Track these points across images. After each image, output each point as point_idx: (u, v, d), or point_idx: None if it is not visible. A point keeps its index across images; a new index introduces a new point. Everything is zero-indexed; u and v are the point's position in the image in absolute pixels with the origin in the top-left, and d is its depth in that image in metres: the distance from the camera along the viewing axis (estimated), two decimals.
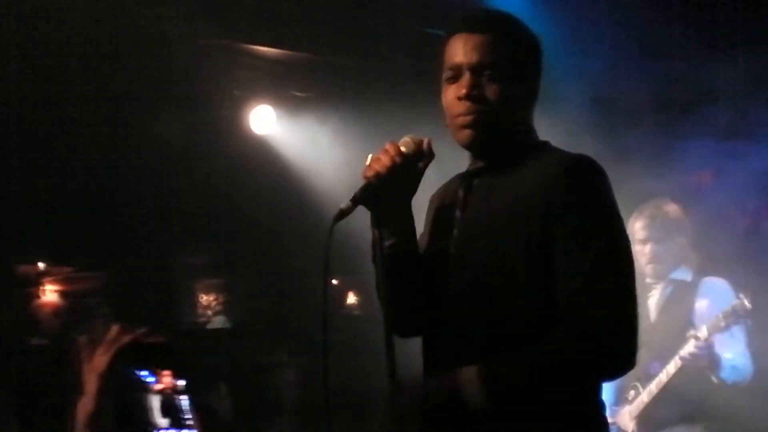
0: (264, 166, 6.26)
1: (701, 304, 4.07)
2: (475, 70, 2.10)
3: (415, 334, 2.26)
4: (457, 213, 2.18)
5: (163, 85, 5.49)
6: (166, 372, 1.04)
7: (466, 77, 2.11)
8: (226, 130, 6.11)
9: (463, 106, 2.11)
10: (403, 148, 2.13)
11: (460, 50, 2.13)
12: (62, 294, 6.33)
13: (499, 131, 2.13)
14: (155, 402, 1.03)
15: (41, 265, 6.33)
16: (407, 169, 2.14)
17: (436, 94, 2.21)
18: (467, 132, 2.13)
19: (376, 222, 2.13)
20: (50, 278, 6.35)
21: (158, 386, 1.05)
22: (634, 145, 4.79)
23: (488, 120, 2.10)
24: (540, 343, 1.93)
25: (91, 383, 1.15)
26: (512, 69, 2.12)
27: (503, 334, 1.99)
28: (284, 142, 6.25)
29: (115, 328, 1.18)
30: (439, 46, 2.21)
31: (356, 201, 2.08)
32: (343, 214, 2.07)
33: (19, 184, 5.59)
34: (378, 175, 2.09)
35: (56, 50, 4.90)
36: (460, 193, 2.20)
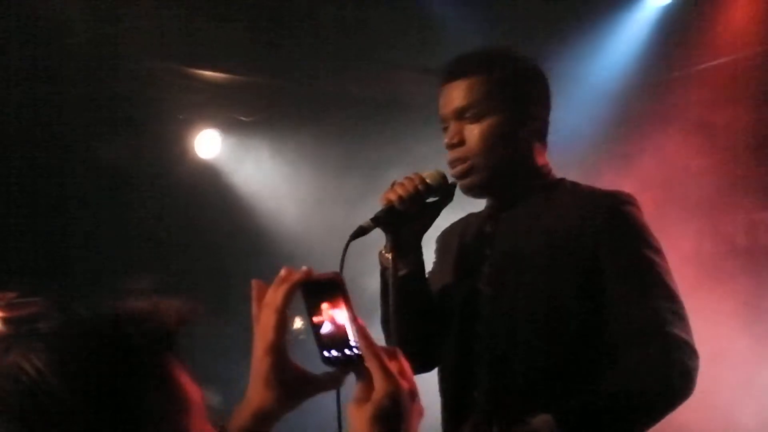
0: (209, 191, 6.23)
1: None
2: (456, 117, 2.08)
3: (421, 370, 2.22)
4: (486, 251, 2.12)
5: (106, 108, 5.44)
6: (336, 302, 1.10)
7: (450, 126, 2.10)
8: (171, 154, 6.07)
9: (450, 156, 2.10)
10: (428, 180, 2.09)
11: (442, 101, 2.13)
12: (3, 321, 6.22)
13: (496, 172, 2.08)
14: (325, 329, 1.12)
15: None
16: (426, 204, 2.11)
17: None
18: (461, 183, 2.10)
19: (392, 248, 2.08)
20: None
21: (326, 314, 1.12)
22: None
23: (477, 165, 2.07)
24: (609, 379, 1.91)
25: (267, 318, 1.19)
26: (494, 105, 2.07)
27: (549, 368, 1.97)
28: (230, 166, 6.24)
29: (283, 269, 1.24)
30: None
31: (377, 221, 2.04)
32: (362, 231, 2.02)
33: None
34: (401, 200, 2.05)
35: None
36: (488, 229, 2.15)
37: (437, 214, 2.17)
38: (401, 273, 2.11)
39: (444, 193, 2.13)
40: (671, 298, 1.96)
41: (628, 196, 2.05)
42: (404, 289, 2.09)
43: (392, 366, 1.13)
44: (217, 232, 6.40)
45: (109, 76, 5.13)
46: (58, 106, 5.26)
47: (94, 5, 4.57)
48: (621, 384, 1.91)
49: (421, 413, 1.14)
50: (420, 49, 5.27)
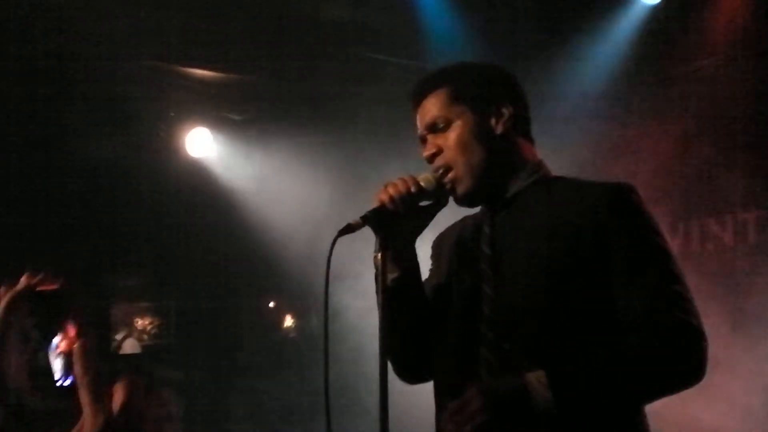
0: (200, 188, 6.23)
1: None
2: (429, 132, 2.13)
3: (414, 381, 2.21)
4: (486, 250, 2.09)
5: (99, 105, 5.44)
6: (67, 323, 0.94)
7: (427, 141, 2.14)
8: (163, 152, 6.08)
9: (433, 168, 2.11)
10: (422, 183, 2.08)
11: (416, 123, 2.17)
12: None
13: (480, 173, 2.10)
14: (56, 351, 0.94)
15: None
16: (418, 207, 2.10)
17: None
18: (453, 196, 2.12)
19: (381, 248, 2.05)
20: None
21: (59, 338, 0.95)
22: None
23: (459, 169, 2.09)
24: (612, 349, 1.87)
25: None
26: (459, 110, 2.10)
27: (556, 365, 1.91)
28: (220, 164, 6.24)
29: (24, 277, 1.12)
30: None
31: (366, 220, 2.02)
32: (349, 228, 2.00)
33: None
34: (392, 200, 2.04)
35: None
36: (486, 230, 2.12)
37: (430, 219, 2.16)
38: (392, 276, 2.08)
39: (438, 197, 2.12)
40: (679, 281, 1.94)
41: (630, 185, 2.05)
42: (394, 293, 2.06)
43: (116, 396, 0.90)
44: (209, 229, 6.40)
45: (101, 73, 5.13)
46: (52, 104, 5.26)
47: (90, 4, 4.57)
48: (625, 351, 1.87)
49: None
50: (413, 48, 5.28)
